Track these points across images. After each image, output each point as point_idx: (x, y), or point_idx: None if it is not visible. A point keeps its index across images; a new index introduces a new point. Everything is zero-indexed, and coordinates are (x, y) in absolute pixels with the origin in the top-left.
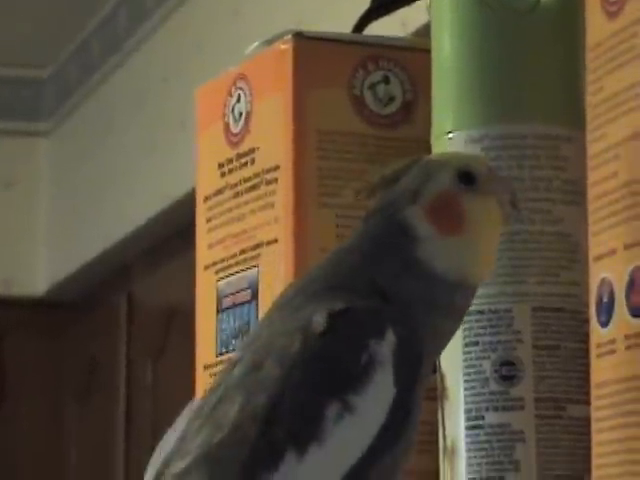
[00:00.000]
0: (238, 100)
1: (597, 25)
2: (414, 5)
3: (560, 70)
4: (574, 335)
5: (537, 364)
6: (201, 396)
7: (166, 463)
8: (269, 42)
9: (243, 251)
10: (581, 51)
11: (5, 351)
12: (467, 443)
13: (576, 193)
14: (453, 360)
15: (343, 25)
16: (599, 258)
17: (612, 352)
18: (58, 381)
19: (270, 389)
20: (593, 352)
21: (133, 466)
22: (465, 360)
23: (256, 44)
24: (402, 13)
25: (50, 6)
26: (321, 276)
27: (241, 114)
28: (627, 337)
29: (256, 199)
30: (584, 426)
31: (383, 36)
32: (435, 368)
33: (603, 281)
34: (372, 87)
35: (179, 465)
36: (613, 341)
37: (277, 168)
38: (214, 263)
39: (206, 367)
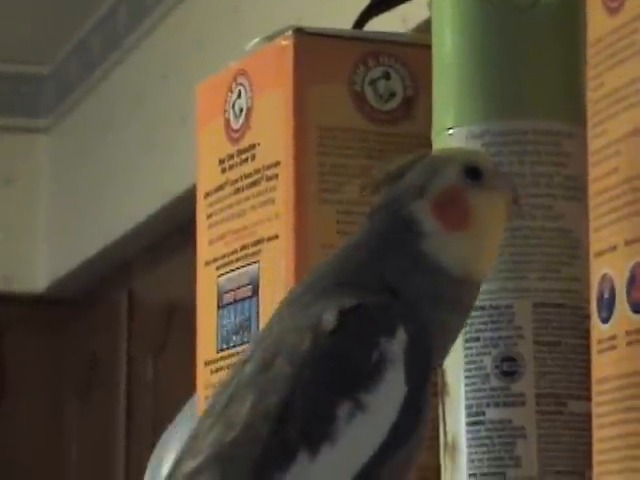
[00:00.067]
0: (239, 96)
1: (598, 21)
2: (414, 1)
3: (561, 66)
4: (575, 331)
5: (538, 360)
6: (212, 393)
7: (178, 462)
8: (270, 38)
9: (244, 247)
10: (582, 47)
11: (5, 347)
12: (468, 439)
13: (577, 189)
14: (454, 356)
15: (343, 21)
16: (600, 254)
17: (613, 348)
18: (58, 377)
19: (281, 388)
20: (594, 348)
21: (134, 462)
22: (466, 356)
23: (257, 40)
24: (402, 9)
25: (50, 2)
26: (330, 272)
27: (242, 110)
28: (628, 333)
29: (257, 195)
30: (585, 422)
31: (384, 32)
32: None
33: (604, 277)
34: (373, 83)
35: (190, 464)
36: (614, 337)
37: (278, 164)
38: (215, 259)
39: (207, 363)
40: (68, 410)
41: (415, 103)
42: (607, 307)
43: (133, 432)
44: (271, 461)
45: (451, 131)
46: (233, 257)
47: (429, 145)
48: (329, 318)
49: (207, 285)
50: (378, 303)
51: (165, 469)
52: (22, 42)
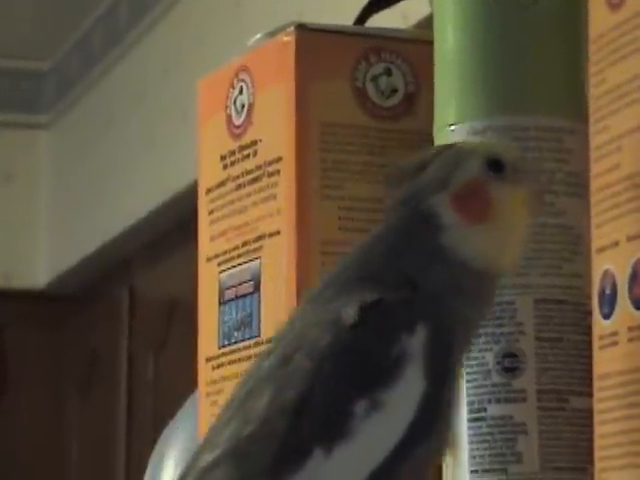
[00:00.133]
0: (240, 92)
1: (600, 17)
2: None
3: (563, 62)
4: (577, 327)
5: (539, 356)
6: (233, 387)
7: (195, 456)
8: (272, 34)
9: (245, 243)
10: (584, 43)
11: (6, 344)
12: (469, 435)
13: (579, 185)
14: None
15: (344, 18)
16: (602, 250)
17: (615, 344)
18: (59, 374)
19: (299, 383)
20: (595, 344)
21: (134, 459)
22: None
23: (258, 36)
24: (403, 5)
25: None
26: (351, 267)
27: (243, 106)
28: (630, 329)
29: (258, 191)
30: (587, 418)
31: (385, 28)
32: None
33: (606, 273)
34: (374, 79)
35: (207, 458)
36: (615, 333)
37: (279, 160)
38: (216, 255)
39: (208, 359)
40: (69, 406)
41: (417, 99)
42: (609, 303)
43: (134, 429)
44: (286, 457)
45: (453, 127)
46: (235, 253)
47: (431, 141)
48: (350, 313)
49: (209, 281)
50: (399, 298)
51: (166, 466)
52: (22, 38)
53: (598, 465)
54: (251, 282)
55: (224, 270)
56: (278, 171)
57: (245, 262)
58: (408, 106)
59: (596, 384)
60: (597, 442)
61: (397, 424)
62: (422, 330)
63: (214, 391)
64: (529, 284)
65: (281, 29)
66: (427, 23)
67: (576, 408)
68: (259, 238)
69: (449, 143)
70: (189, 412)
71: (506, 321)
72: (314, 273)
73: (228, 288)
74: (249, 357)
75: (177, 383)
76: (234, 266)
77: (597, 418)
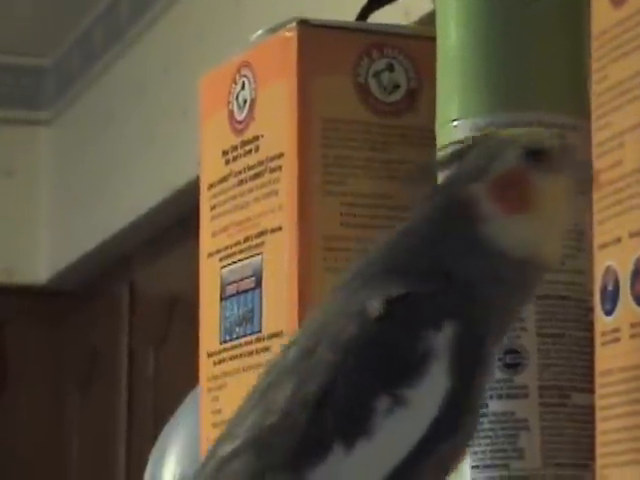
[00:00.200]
0: (242, 87)
1: (602, 13)
2: None
3: (565, 58)
4: (578, 323)
5: (541, 352)
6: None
7: (215, 446)
8: (274, 30)
9: (247, 239)
10: (586, 39)
11: (6, 340)
12: None
13: None
14: None
15: (345, 15)
16: (604, 246)
17: (616, 340)
18: (59, 370)
19: (322, 375)
20: (597, 340)
21: (135, 455)
22: None
23: (260, 32)
24: (404, 2)
25: None
26: (380, 258)
27: (245, 101)
28: (632, 325)
29: (260, 187)
30: (588, 414)
31: (388, 24)
32: None
33: (608, 269)
34: (376, 75)
35: (227, 448)
36: (617, 329)
37: (281, 156)
38: (218, 251)
39: (209, 355)
40: (69, 402)
41: (419, 95)
42: (611, 299)
43: (134, 425)
44: (307, 450)
45: (455, 123)
46: (236, 249)
47: (433, 137)
48: (375, 305)
49: (210, 277)
50: (426, 292)
51: (167, 462)
52: (23, 34)
53: (600, 462)
54: (253, 278)
55: (226, 266)
56: (280, 167)
57: (247, 258)
58: (410, 102)
59: (598, 380)
60: (599, 438)
61: (421, 421)
62: (449, 325)
63: (215, 387)
64: None
65: (283, 25)
66: (429, 20)
67: (578, 404)
68: (261, 234)
69: (487, 133)
70: (190, 408)
71: None
72: (316, 269)
73: (230, 284)
74: (250, 352)
75: (177, 379)
76: (236, 262)
77: (599, 414)
